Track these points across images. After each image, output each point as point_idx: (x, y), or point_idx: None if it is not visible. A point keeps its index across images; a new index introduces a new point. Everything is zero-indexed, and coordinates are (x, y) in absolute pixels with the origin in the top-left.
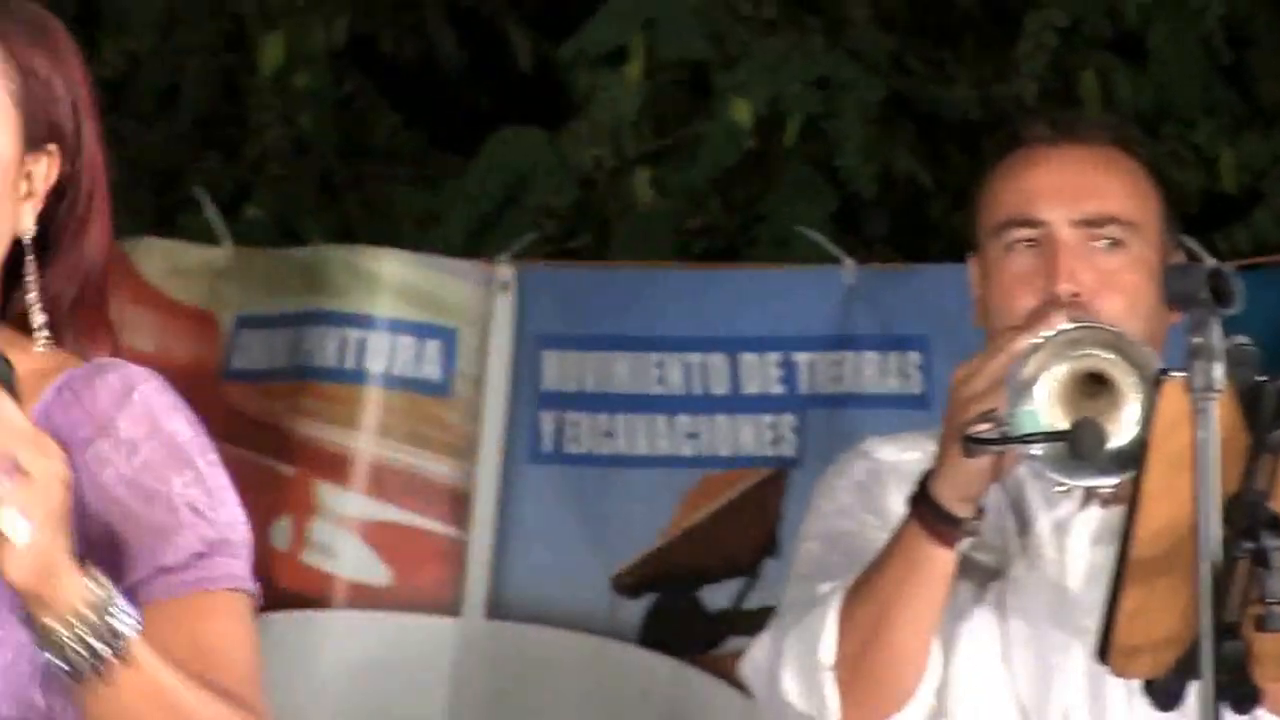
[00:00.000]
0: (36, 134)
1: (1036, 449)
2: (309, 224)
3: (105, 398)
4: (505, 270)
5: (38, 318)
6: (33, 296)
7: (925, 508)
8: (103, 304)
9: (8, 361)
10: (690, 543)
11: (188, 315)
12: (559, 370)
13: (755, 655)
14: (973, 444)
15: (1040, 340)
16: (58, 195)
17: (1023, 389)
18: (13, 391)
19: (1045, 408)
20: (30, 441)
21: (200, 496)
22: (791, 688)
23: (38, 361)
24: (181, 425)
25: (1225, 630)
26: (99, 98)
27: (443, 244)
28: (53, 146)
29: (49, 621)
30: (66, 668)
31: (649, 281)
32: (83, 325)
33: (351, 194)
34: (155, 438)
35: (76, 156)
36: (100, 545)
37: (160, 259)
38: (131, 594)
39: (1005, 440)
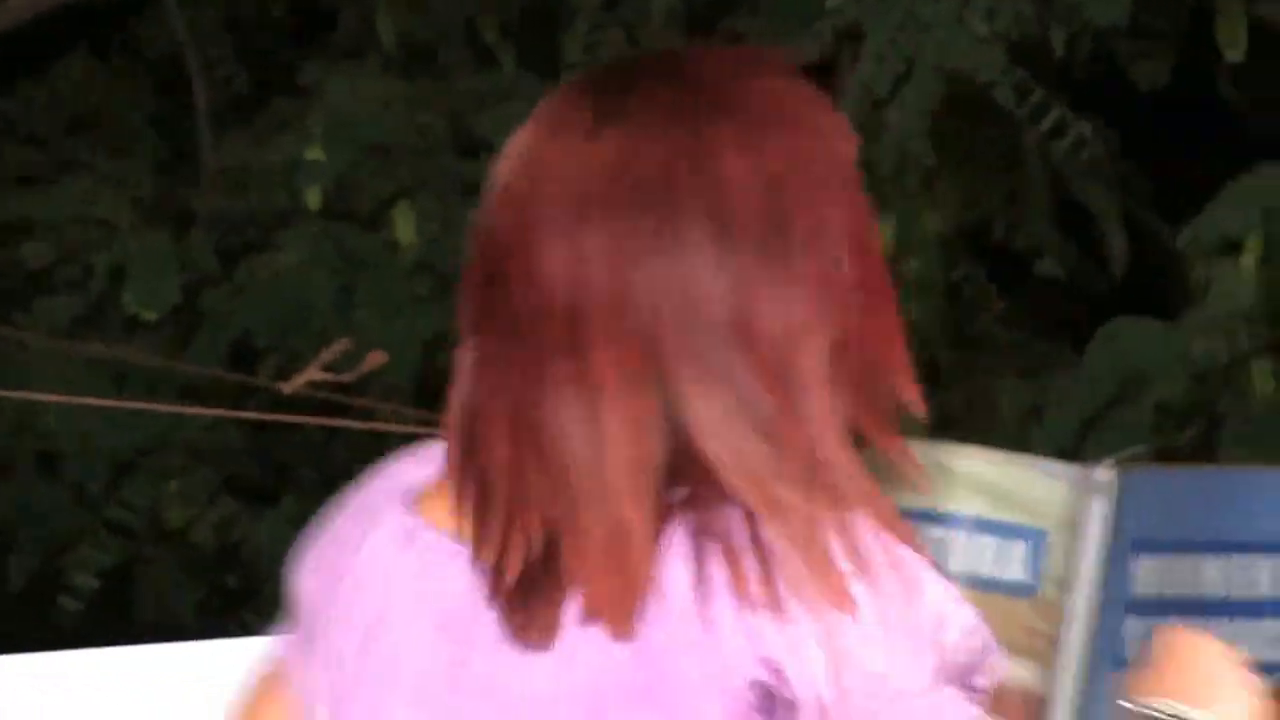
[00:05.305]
0: None
1: None
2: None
3: None
4: (1105, 473)
5: None
6: None
7: None
8: None
9: None
10: None
11: None
12: (1152, 576)
13: None
14: None
15: None
16: None
17: None
18: None
19: None
20: None
21: None
22: None
23: None
24: None
25: None
26: None
27: (1047, 441)
28: None
29: None
30: None
31: (1254, 483)
32: None
33: (956, 385)
34: None
35: None
36: None
37: None
38: None
39: None
